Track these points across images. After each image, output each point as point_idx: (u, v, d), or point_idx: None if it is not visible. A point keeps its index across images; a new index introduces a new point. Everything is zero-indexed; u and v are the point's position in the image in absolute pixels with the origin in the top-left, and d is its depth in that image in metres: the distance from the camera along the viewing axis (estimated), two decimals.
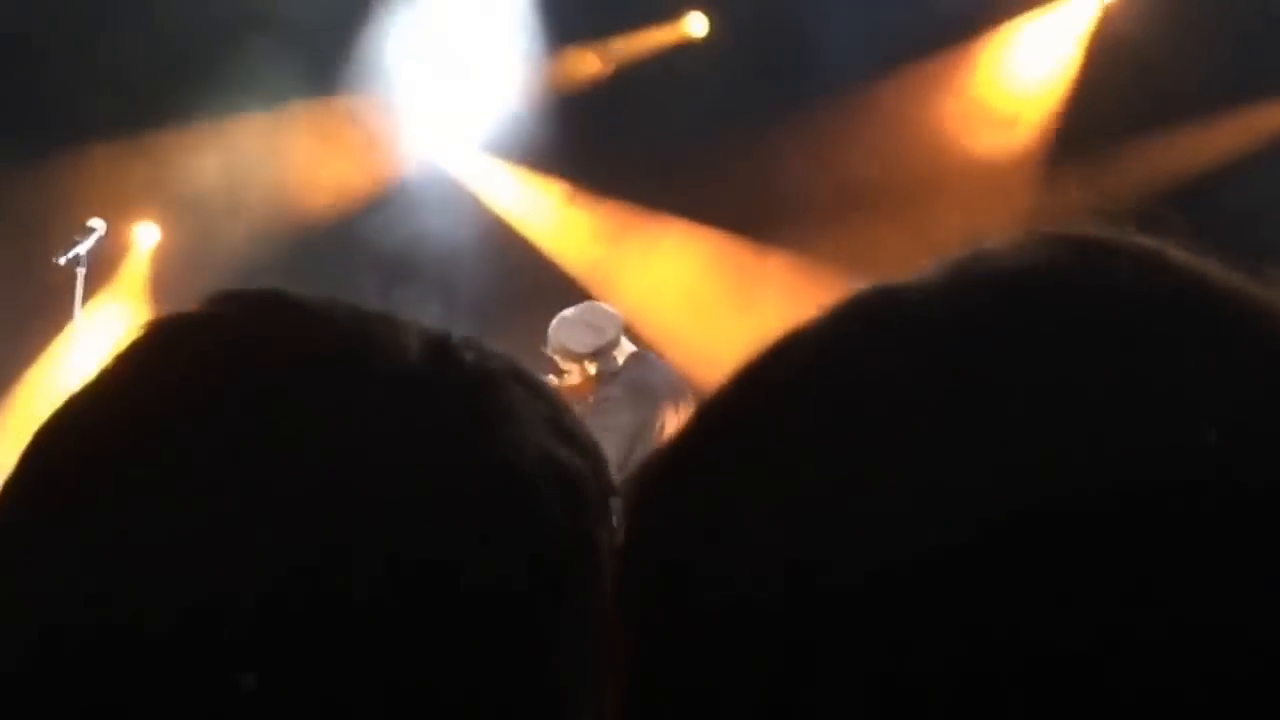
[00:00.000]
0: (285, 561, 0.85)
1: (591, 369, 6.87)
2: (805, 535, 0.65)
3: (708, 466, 0.69)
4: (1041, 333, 0.66)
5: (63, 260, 7.25)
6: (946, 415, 0.64)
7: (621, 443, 6.58)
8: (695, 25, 9.74)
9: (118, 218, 8.29)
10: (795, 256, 9.25)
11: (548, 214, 9.85)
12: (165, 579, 0.85)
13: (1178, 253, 0.69)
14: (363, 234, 9.27)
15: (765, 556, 0.65)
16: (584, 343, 6.87)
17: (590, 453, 0.94)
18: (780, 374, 0.70)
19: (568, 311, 7.08)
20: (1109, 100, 8.98)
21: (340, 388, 0.89)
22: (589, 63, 9.83)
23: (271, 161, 9.10)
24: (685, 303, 9.27)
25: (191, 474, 0.86)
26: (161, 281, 9.29)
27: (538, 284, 9.11)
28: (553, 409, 0.94)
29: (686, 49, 9.68)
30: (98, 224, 7.35)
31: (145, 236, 9.42)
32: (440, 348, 0.93)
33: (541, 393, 0.95)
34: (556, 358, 6.90)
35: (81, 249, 7.24)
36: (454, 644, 0.86)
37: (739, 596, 0.65)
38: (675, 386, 6.92)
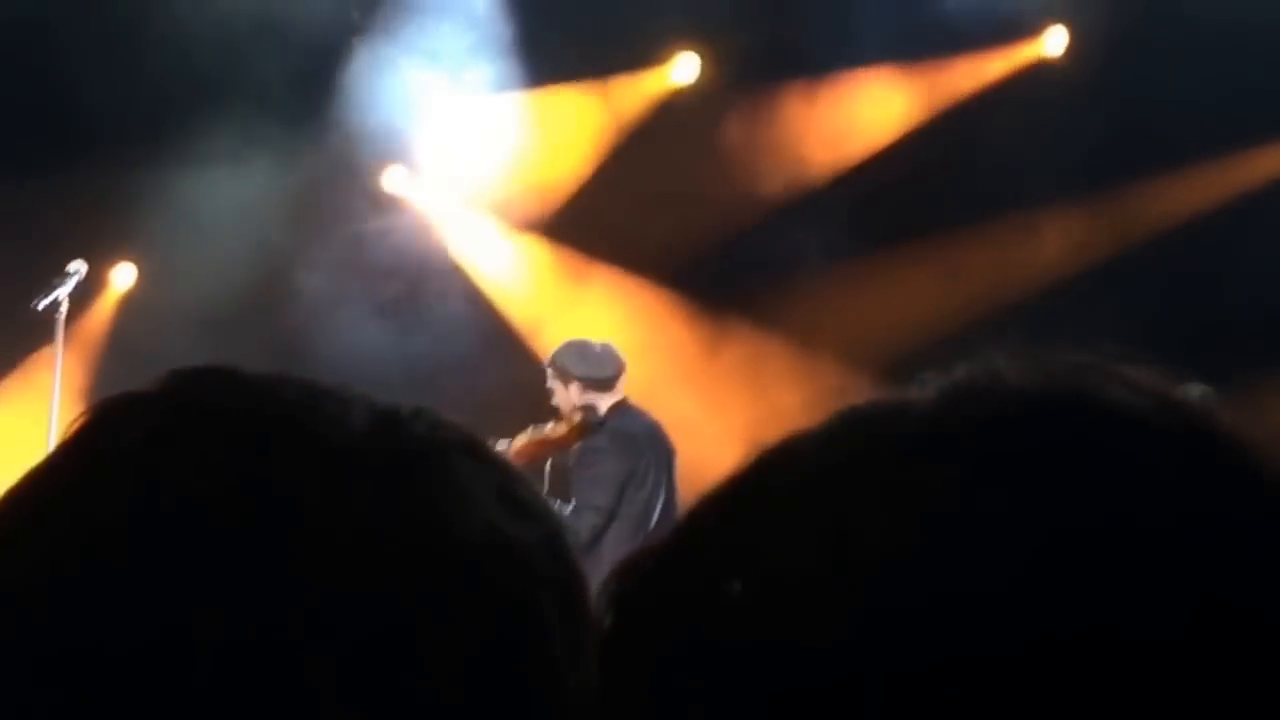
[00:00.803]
0: (222, 642, 0.85)
1: (576, 399, 7.04)
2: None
3: (691, 585, 0.71)
4: (1038, 469, 0.68)
5: (41, 305, 7.15)
6: (926, 547, 0.67)
7: (612, 489, 6.96)
8: (686, 68, 9.64)
9: (99, 257, 8.21)
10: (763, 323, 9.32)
11: (524, 270, 9.86)
12: (95, 663, 0.85)
13: (1152, 377, 0.72)
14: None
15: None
16: (581, 368, 7.11)
17: (544, 523, 0.94)
18: (776, 493, 0.72)
19: (578, 338, 7.38)
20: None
21: (278, 465, 0.89)
22: (577, 105, 9.76)
23: (264, 195, 9.06)
24: (660, 363, 9.25)
25: (128, 559, 0.86)
26: (141, 321, 9.22)
27: None
28: (504, 480, 0.94)
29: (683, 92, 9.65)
30: (78, 266, 7.23)
31: (121, 277, 9.37)
32: (387, 421, 0.93)
33: (492, 464, 0.95)
34: (550, 371, 7.18)
35: (60, 292, 7.13)
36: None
37: None
38: (656, 437, 7.21)
